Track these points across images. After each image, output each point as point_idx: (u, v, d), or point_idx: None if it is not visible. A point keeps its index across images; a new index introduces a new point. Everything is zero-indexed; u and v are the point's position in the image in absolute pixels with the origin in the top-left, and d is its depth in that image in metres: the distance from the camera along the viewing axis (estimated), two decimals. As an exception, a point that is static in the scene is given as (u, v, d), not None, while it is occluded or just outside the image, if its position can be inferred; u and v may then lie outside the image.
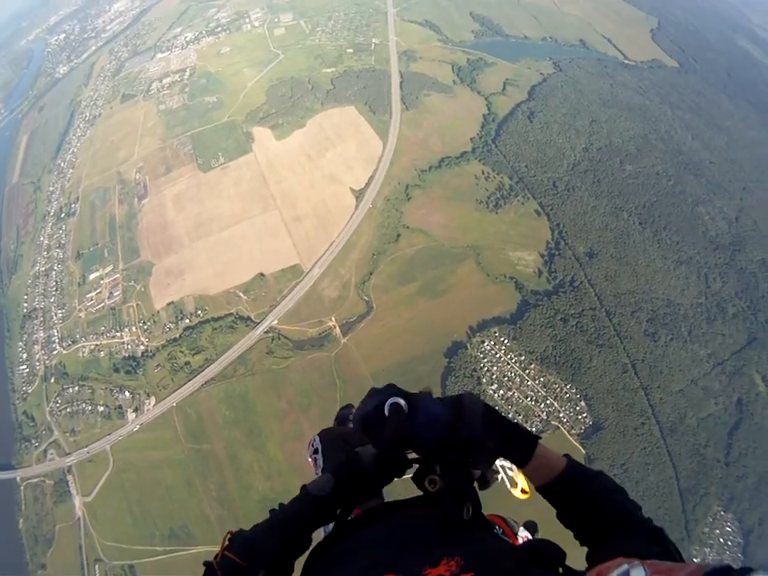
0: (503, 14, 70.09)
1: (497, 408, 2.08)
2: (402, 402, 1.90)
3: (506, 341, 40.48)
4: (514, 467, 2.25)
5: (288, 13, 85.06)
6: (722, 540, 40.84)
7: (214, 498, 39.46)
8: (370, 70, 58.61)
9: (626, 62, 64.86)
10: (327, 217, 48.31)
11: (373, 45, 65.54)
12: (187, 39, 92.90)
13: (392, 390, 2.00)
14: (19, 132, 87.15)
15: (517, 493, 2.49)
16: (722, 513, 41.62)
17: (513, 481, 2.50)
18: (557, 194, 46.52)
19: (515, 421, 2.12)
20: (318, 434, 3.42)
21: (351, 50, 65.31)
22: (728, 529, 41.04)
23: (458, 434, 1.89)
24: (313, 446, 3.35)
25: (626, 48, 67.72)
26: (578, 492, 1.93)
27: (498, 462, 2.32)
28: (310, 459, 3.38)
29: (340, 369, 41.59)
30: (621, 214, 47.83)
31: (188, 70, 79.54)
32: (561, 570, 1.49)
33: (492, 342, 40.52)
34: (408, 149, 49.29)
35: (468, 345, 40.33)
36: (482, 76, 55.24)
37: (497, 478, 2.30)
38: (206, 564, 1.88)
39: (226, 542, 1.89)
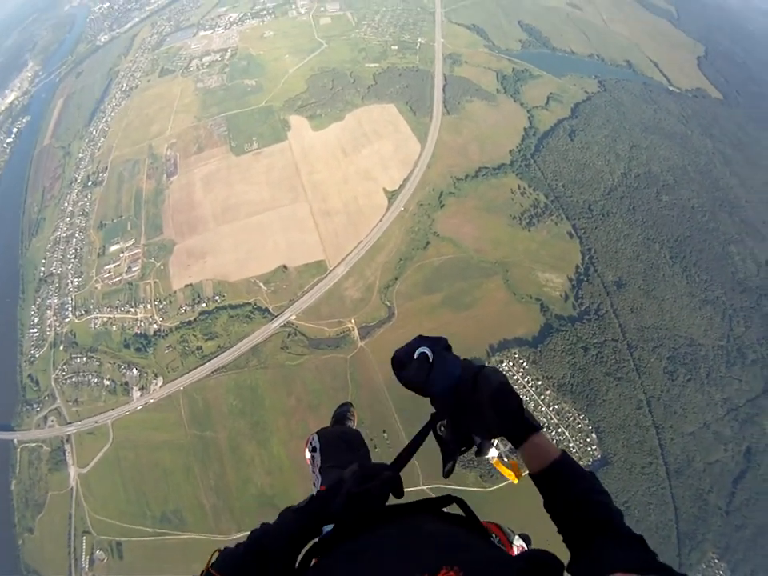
0: (552, 26, 67.37)
1: (515, 391, 2.04)
2: (428, 352, 2.14)
3: (525, 363, 38.93)
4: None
5: (335, 3, 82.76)
6: (714, 589, 39.55)
7: (211, 486, 38.71)
8: (414, 69, 56.44)
9: (670, 88, 62.16)
10: (357, 215, 46.76)
11: (418, 44, 63.25)
12: (231, 20, 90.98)
13: (432, 342, 2.23)
14: (55, 95, 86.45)
15: (505, 472, 2.45)
16: (717, 561, 40.64)
17: (507, 461, 2.46)
18: (591, 217, 44.60)
19: (526, 407, 2.08)
20: (317, 432, 3.33)
21: (396, 47, 63.07)
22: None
23: (465, 395, 2.02)
24: (311, 443, 3.27)
25: (671, 74, 64.93)
26: (566, 484, 1.95)
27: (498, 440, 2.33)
28: (307, 457, 3.29)
29: (354, 372, 40.42)
30: (653, 245, 45.81)
31: (229, 50, 77.91)
32: None
33: (511, 363, 39.01)
34: (446, 154, 47.38)
35: (486, 363, 38.57)
36: (526, 87, 53.01)
37: (491, 451, 2.31)
38: None
39: (212, 560, 1.87)
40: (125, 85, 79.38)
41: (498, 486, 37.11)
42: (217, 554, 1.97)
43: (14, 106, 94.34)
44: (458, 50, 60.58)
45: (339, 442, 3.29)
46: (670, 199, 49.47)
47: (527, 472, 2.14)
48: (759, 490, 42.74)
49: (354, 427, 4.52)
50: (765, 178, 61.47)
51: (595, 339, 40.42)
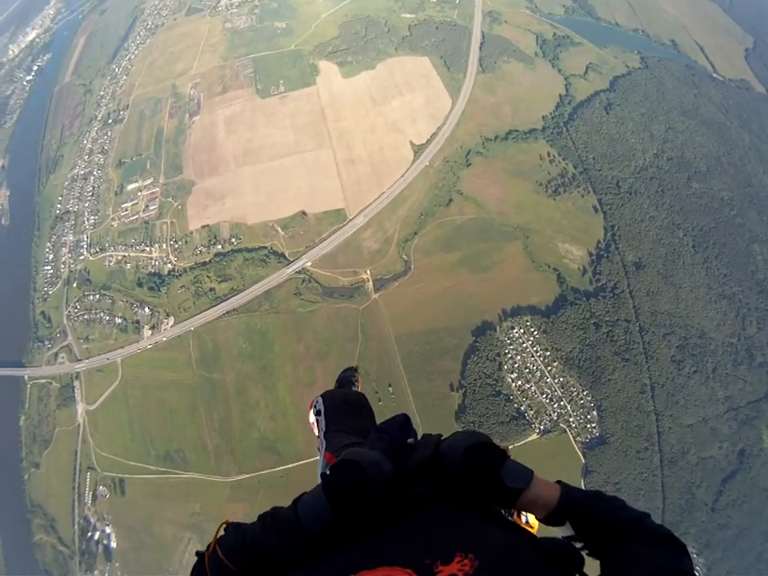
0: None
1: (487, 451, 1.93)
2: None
3: (535, 332, 38.52)
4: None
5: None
6: (687, 582, 40.34)
7: (215, 428, 39.02)
8: (451, 24, 54.08)
9: (714, 75, 59.79)
10: (382, 166, 45.57)
11: (457, -1, 60.17)
12: None
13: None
14: (77, 33, 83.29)
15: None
16: (695, 555, 41.20)
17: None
18: (618, 194, 43.44)
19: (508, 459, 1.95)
20: (321, 396, 3.20)
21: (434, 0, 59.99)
22: (695, 573, 40.32)
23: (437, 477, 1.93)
24: (315, 406, 3.17)
25: (716, 61, 62.44)
26: (580, 519, 1.84)
27: None
28: (311, 420, 3.21)
29: (365, 324, 40.09)
30: (677, 231, 44.85)
31: None
32: None
33: (522, 330, 38.59)
34: (477, 113, 45.79)
35: (497, 328, 38.47)
36: (566, 54, 50.96)
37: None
38: (198, 555, 1.82)
39: (220, 534, 1.82)
40: (150, 23, 76.66)
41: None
42: (225, 525, 1.85)
43: (35, 44, 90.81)
44: (498, 7, 57.76)
45: (344, 405, 3.15)
46: (700, 187, 48.19)
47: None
48: (747, 492, 43.30)
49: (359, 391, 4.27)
50: (798, 181, 60.06)
51: (608, 317, 39.93)
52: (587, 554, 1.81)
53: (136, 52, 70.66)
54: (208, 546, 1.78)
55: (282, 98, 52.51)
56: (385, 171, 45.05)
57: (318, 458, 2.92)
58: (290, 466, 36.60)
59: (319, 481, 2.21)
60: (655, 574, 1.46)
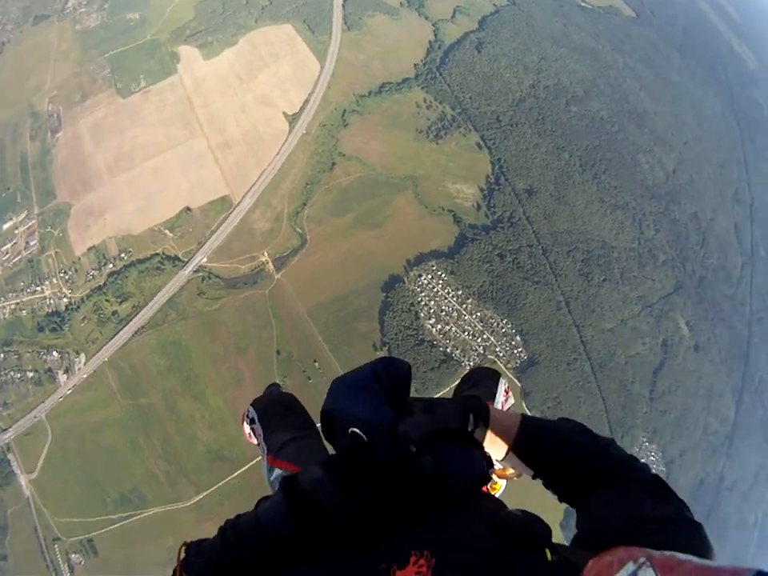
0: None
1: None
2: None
3: (443, 275, 39.59)
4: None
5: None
6: (647, 469, 43.78)
7: (160, 454, 37.83)
8: (310, -13, 53.09)
9: (582, 4, 62.79)
10: (258, 143, 44.75)
11: (316, -39, 59.22)
12: None
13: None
14: None
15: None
16: (647, 444, 44.73)
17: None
18: (500, 128, 45.12)
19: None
20: (251, 404, 3.06)
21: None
22: (652, 458, 44.34)
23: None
24: (248, 416, 3.01)
25: (583, -10, 65.42)
26: (540, 441, 1.70)
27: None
28: (247, 433, 3.05)
29: (275, 306, 39.75)
30: (562, 154, 47.28)
31: None
32: (549, 552, 1.27)
33: (429, 276, 39.54)
34: (347, 72, 45.77)
35: (405, 279, 39.21)
36: (431, 1, 51.44)
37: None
38: None
39: (181, 556, 1.65)
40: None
41: (434, 397, 38.33)
42: (185, 547, 1.69)
43: None
44: (359, -35, 57.63)
45: (276, 406, 3.04)
46: (579, 110, 50.88)
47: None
48: (677, 378, 47.01)
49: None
50: (673, 93, 64.69)
51: (510, 246, 41.75)
52: (559, 500, 1.69)
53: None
54: (174, 572, 1.62)
55: (145, 93, 50.13)
56: (262, 148, 44.25)
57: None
58: (244, 468, 36.24)
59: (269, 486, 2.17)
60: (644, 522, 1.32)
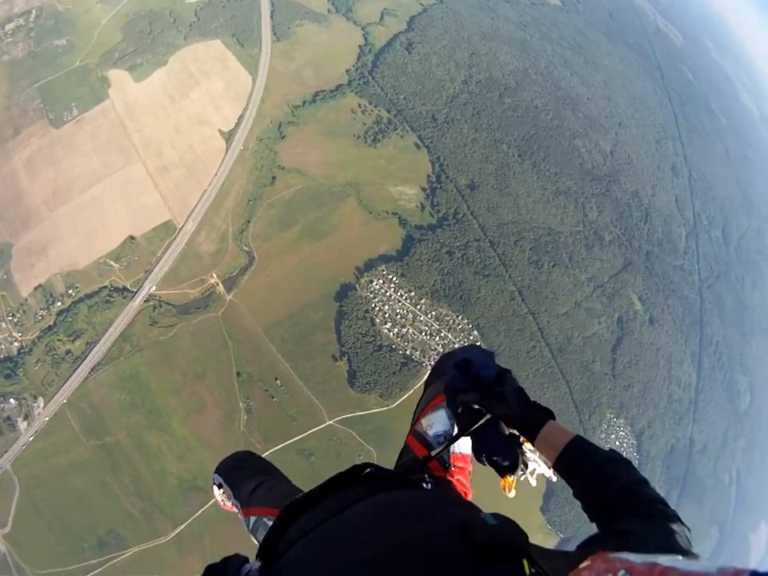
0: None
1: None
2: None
3: (394, 278, 40.06)
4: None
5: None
6: (617, 443, 45.49)
7: (132, 491, 37.00)
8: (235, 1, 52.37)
9: (508, -3, 64.54)
10: (196, 164, 44.10)
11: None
12: None
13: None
14: None
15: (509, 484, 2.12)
16: (615, 419, 46.42)
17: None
18: (436, 126, 45.93)
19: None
20: (215, 471, 3.10)
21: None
22: (622, 433, 46.05)
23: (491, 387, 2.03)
24: (214, 482, 3.07)
25: (508, -16, 67.28)
26: (581, 462, 1.81)
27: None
28: (220, 500, 3.14)
29: (230, 328, 39.25)
30: (500, 146, 48.59)
31: (34, 11, 66.25)
32: (527, 564, 1.12)
33: (381, 281, 39.91)
34: (280, 83, 45.51)
35: (357, 286, 39.45)
36: (359, 5, 51.93)
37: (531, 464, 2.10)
38: None
39: None
40: None
41: (400, 401, 38.64)
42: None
43: None
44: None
45: (238, 463, 3.12)
46: (513, 101, 52.38)
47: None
48: (636, 352, 49.03)
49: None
50: (604, 76, 67.46)
51: (458, 242, 42.63)
52: (584, 510, 1.75)
53: None
54: None
55: (78, 121, 48.32)
56: (201, 168, 43.74)
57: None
58: (217, 495, 35.45)
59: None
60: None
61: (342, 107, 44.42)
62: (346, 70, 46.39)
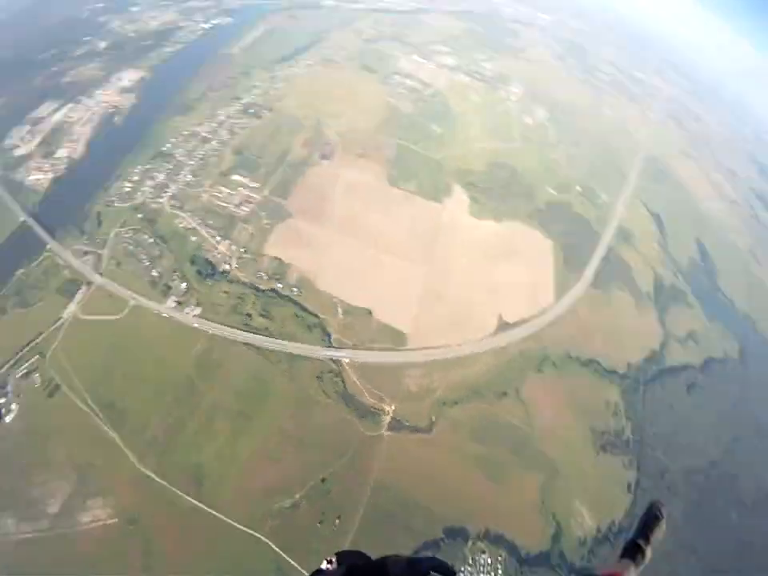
0: (723, 262, 66.03)
1: None
2: None
3: (500, 571, 35.09)
4: None
5: (543, 109, 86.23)
6: None
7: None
8: (584, 221, 56.22)
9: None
10: (463, 319, 45.98)
11: (600, 199, 63.48)
12: (445, 62, 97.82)
13: None
14: (262, 20, 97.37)
15: None
16: None
17: None
18: (657, 486, 41.25)
19: None
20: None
21: (580, 189, 63.61)
22: None
23: None
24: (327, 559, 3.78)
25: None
26: None
27: None
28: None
29: (359, 451, 37.81)
30: (690, 556, 41.14)
31: (432, 89, 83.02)
32: None
33: (490, 560, 35.63)
34: (572, 324, 46.21)
35: (470, 542, 36.11)
36: (675, 310, 51.53)
37: None
38: None
39: None
40: (322, 55, 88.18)
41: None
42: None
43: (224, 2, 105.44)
44: (632, 228, 60.21)
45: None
46: (740, 521, 44.77)
47: None
48: None
49: None
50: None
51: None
52: None
53: (301, 73, 79.85)
54: None
55: (407, 197, 54.76)
56: (462, 325, 45.20)
57: None
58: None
59: None
60: None
61: (602, 392, 43.22)
62: (629, 363, 45.32)
